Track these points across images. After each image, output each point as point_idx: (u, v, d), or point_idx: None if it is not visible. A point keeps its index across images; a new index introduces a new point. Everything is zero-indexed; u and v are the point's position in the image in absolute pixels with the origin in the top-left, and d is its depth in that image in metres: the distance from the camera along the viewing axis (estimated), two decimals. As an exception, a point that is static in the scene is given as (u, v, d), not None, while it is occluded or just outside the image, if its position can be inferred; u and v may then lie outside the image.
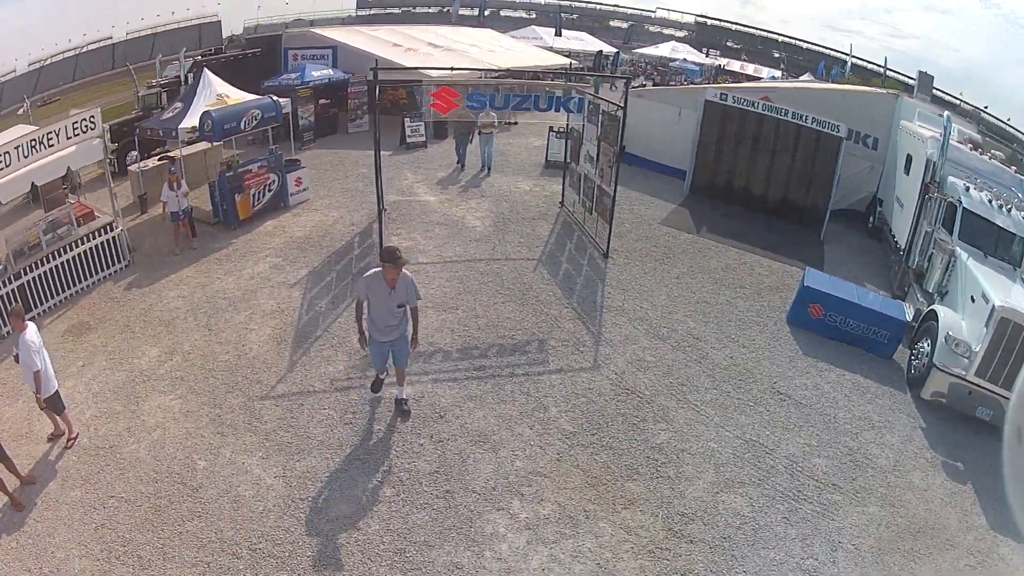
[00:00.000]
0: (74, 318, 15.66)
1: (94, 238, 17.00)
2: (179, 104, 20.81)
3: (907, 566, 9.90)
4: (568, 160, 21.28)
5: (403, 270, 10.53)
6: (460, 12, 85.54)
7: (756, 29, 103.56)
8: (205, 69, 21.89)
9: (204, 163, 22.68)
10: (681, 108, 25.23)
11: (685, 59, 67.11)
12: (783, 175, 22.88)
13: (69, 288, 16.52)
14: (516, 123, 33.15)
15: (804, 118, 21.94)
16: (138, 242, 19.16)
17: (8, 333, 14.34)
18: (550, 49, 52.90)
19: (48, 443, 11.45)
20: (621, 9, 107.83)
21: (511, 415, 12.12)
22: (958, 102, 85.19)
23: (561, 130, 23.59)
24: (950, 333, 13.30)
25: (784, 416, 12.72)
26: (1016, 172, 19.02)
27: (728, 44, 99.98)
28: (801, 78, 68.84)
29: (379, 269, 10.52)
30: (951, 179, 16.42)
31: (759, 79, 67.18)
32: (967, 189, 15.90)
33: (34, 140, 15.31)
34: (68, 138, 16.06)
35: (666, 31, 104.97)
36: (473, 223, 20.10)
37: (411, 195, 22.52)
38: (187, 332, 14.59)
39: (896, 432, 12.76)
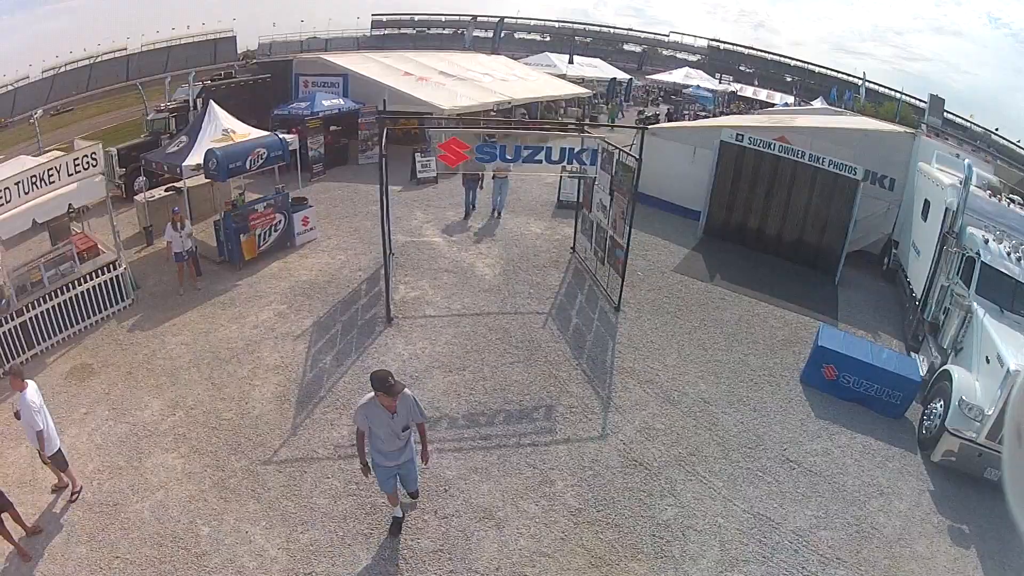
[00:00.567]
0: (77, 359, 15.51)
1: (97, 276, 16.87)
2: (184, 138, 20.61)
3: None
4: (580, 201, 20.97)
5: (403, 389, 9.34)
6: (475, 34, 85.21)
7: (768, 53, 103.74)
8: (211, 102, 21.62)
9: (212, 194, 22.45)
10: (696, 147, 24.98)
11: (698, 86, 66.82)
12: (798, 218, 22.55)
13: (72, 326, 16.39)
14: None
15: (821, 160, 21.56)
16: (143, 277, 19.09)
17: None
18: (563, 76, 52.63)
19: (52, 494, 11.43)
20: (635, 33, 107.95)
21: (516, 489, 11.82)
22: (969, 124, 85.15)
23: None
24: (963, 398, 12.98)
25: (792, 486, 12.41)
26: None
27: (741, 68, 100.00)
28: (813, 103, 68.56)
29: (374, 395, 9.27)
30: (970, 229, 16.06)
31: (772, 105, 67.08)
32: (986, 241, 15.50)
33: (35, 176, 15.10)
34: (69, 175, 15.87)
35: (679, 55, 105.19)
36: (483, 270, 19.82)
37: (420, 237, 22.26)
38: (190, 385, 14.38)
39: (904, 498, 12.49)
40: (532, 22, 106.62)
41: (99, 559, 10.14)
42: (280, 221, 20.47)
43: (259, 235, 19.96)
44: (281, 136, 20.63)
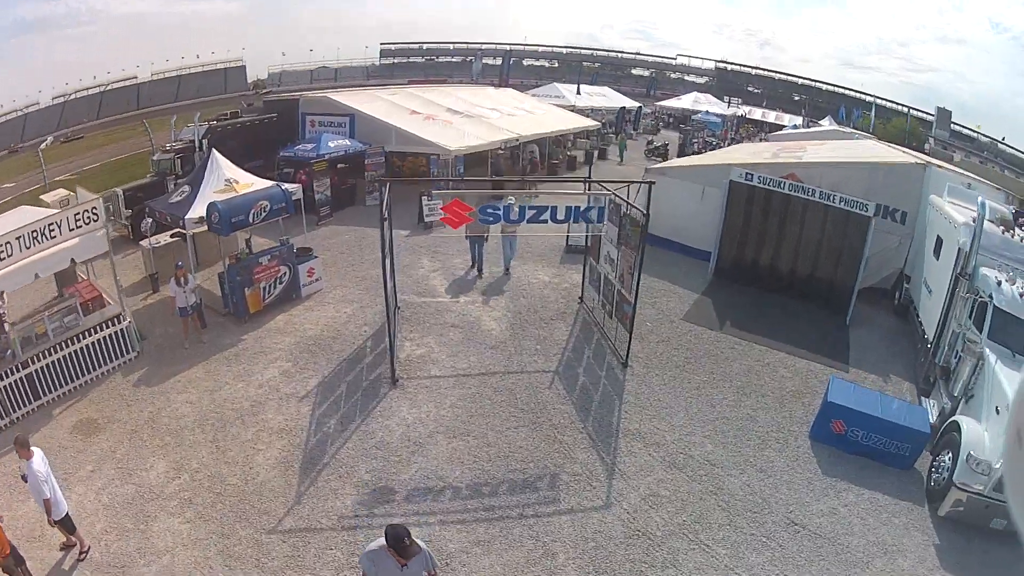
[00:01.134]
0: (83, 412, 15.58)
1: (102, 329, 16.93)
2: (187, 187, 20.57)
3: None
4: (588, 246, 20.60)
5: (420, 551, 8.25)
6: (484, 61, 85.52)
7: (776, 73, 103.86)
8: (214, 151, 21.52)
9: (218, 241, 22.32)
10: (705, 187, 24.89)
11: (707, 111, 66.91)
12: (810, 257, 22.41)
13: (78, 378, 16.45)
14: (536, 195, 32.93)
15: (831, 198, 21.39)
16: (148, 327, 19.15)
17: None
18: (572, 108, 52.60)
19: (61, 552, 11.57)
20: (642, 57, 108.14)
21: (518, 563, 11.70)
22: (976, 135, 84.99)
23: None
24: (972, 453, 12.78)
25: (796, 551, 12.25)
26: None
27: (749, 89, 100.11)
28: (821, 122, 68.73)
29: (385, 546, 8.19)
30: (983, 270, 15.87)
31: (781, 127, 67.03)
32: (999, 283, 15.27)
33: (35, 231, 15.24)
34: (71, 229, 15.97)
35: (688, 78, 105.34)
36: (489, 325, 19.72)
37: (426, 288, 22.19)
38: (195, 447, 14.39)
39: (908, 555, 12.35)
40: (540, 49, 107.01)
41: (108, 622, 10.14)
42: (285, 273, 20.43)
43: (264, 288, 19.92)
44: (284, 187, 20.52)
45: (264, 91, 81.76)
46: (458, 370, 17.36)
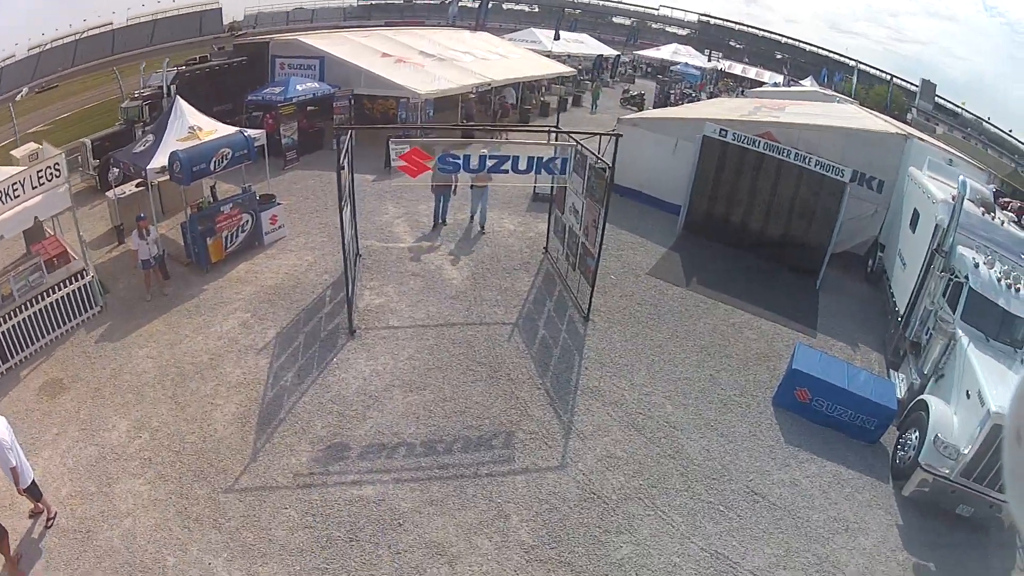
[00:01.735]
0: (49, 372, 15.13)
1: (66, 286, 16.44)
2: (151, 136, 19.78)
3: None
4: (553, 195, 20.12)
5: None
6: (461, 4, 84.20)
7: (759, 30, 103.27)
8: (178, 97, 20.77)
9: (183, 189, 21.69)
10: (678, 140, 24.42)
11: (686, 63, 66.21)
12: (782, 218, 22.07)
13: (43, 337, 16.00)
14: (506, 138, 32.37)
15: (807, 160, 20.94)
16: (112, 279, 18.61)
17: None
18: (548, 54, 51.79)
19: (30, 519, 11.31)
20: (624, 6, 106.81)
21: (471, 524, 11.48)
22: (960, 111, 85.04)
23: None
24: (939, 436, 12.64)
25: (755, 522, 12.11)
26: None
27: (731, 44, 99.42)
28: (803, 82, 68.40)
29: None
30: (960, 249, 15.55)
31: (761, 84, 66.61)
32: (976, 265, 15.00)
33: (-1, 192, 14.67)
34: (33, 187, 15.34)
35: (669, 29, 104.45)
36: (451, 274, 19.30)
37: (389, 234, 21.67)
38: (155, 404, 14.01)
39: (870, 534, 12.24)
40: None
41: (78, 589, 10.05)
42: (247, 221, 19.83)
43: (226, 237, 19.34)
44: (246, 134, 19.76)
45: (240, 33, 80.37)
46: (416, 321, 16.97)
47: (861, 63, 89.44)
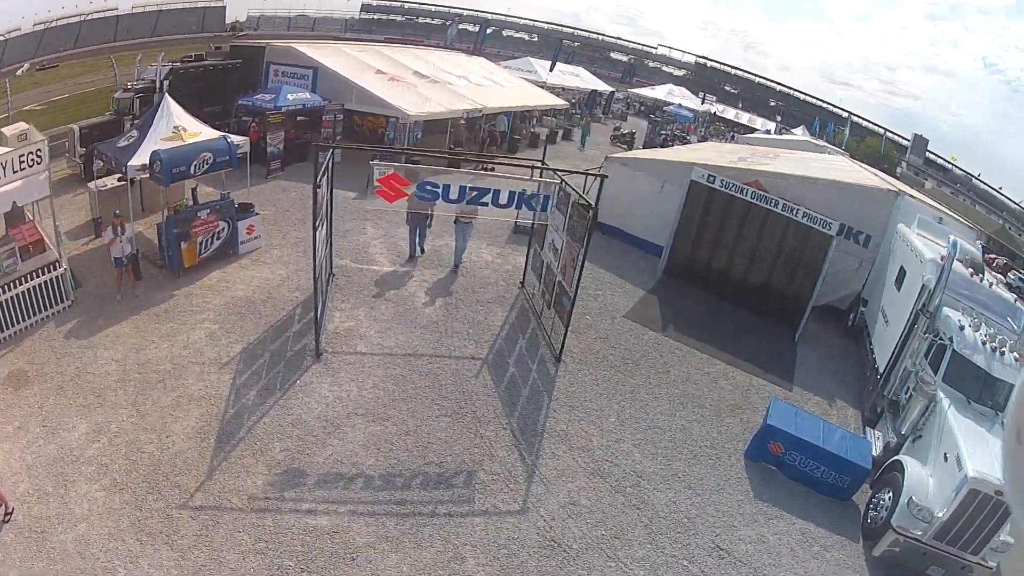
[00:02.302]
0: (15, 363, 14.93)
1: (38, 275, 16.24)
2: (135, 132, 19.57)
3: None
4: (534, 229, 19.81)
5: None
6: (461, 27, 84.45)
7: (755, 76, 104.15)
8: (166, 95, 20.58)
9: (163, 187, 21.45)
10: (664, 182, 24.24)
11: (680, 104, 66.46)
12: (765, 267, 21.84)
13: (12, 326, 15.81)
14: (492, 168, 32.09)
15: (794, 211, 20.76)
16: (86, 273, 18.42)
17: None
18: (543, 85, 51.79)
19: None
20: (623, 42, 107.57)
21: (426, 564, 11.07)
22: (950, 166, 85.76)
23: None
24: (913, 498, 12.42)
25: (718, 579, 11.71)
26: (1017, 302, 17.97)
27: (726, 88, 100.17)
28: (795, 131, 68.92)
29: None
30: (945, 311, 15.39)
31: (753, 130, 66.93)
32: (961, 328, 14.86)
33: (-22, 174, 14.42)
34: (14, 172, 15.22)
35: (665, 68, 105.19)
36: (423, 301, 18.98)
37: (365, 255, 21.31)
38: (116, 409, 13.68)
39: (837, 595, 11.85)
40: (520, 21, 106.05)
41: (29, 589, 10.01)
42: (224, 229, 19.49)
43: (201, 243, 19.01)
44: (230, 140, 19.45)
45: (241, 33, 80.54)
46: (385, 348, 16.58)
47: (854, 114, 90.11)
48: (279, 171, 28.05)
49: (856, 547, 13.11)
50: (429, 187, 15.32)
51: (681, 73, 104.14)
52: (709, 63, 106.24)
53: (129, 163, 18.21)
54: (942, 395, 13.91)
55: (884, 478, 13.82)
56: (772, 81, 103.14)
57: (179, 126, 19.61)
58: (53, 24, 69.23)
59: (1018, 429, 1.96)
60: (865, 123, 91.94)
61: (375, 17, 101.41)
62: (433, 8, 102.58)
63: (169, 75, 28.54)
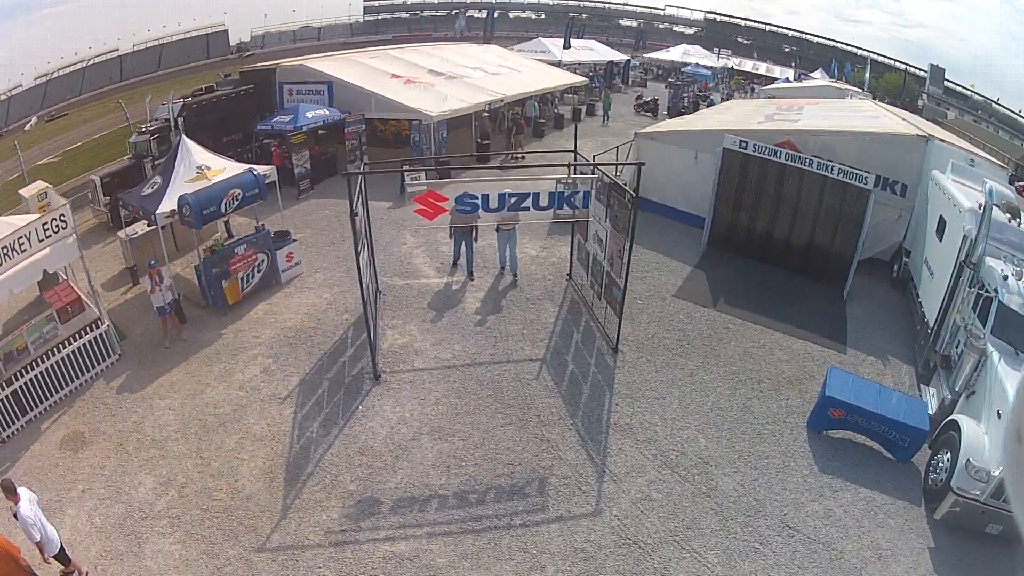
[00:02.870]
0: (70, 425, 15.12)
1: (81, 336, 16.39)
2: (158, 179, 19.52)
3: None
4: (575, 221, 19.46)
5: None
6: (470, 14, 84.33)
7: (765, 24, 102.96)
8: (183, 137, 20.48)
9: (195, 228, 21.79)
10: (697, 152, 24.27)
11: (697, 64, 66.09)
12: (807, 228, 21.73)
13: (62, 388, 16.00)
14: (523, 157, 32.05)
15: (830, 168, 20.60)
16: (129, 324, 18.62)
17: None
18: (559, 64, 51.61)
19: None
20: (630, 8, 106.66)
21: (508, 577, 11.22)
22: (970, 94, 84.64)
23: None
24: (970, 460, 12.30)
25: (789, 557, 11.82)
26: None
27: (739, 40, 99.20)
28: (813, 75, 68.26)
29: None
30: (988, 261, 15.10)
31: (773, 80, 66.38)
32: (1006, 278, 14.57)
33: (5, 247, 14.54)
34: (40, 240, 15.33)
35: (676, 28, 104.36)
36: (474, 307, 19.08)
37: (408, 268, 21.44)
38: (180, 459, 13.88)
39: (902, 559, 11.97)
40: (527, 1, 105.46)
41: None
42: (263, 261, 19.68)
43: (242, 278, 19.19)
44: (256, 172, 19.49)
45: (247, 53, 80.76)
46: (442, 361, 16.73)
47: (871, 52, 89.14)
48: (309, 190, 28.32)
49: (919, 511, 13.09)
50: (468, 199, 15.32)
51: (692, 32, 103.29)
52: (719, 17, 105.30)
53: (157, 212, 18.13)
54: (992, 349, 13.73)
55: (942, 439, 13.72)
56: (783, 27, 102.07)
57: (202, 165, 19.47)
58: (55, 75, 69.82)
59: (1018, 429, 1.99)
60: (882, 59, 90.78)
61: (380, 17, 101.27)
62: (437, 0, 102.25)
63: (183, 111, 28.71)
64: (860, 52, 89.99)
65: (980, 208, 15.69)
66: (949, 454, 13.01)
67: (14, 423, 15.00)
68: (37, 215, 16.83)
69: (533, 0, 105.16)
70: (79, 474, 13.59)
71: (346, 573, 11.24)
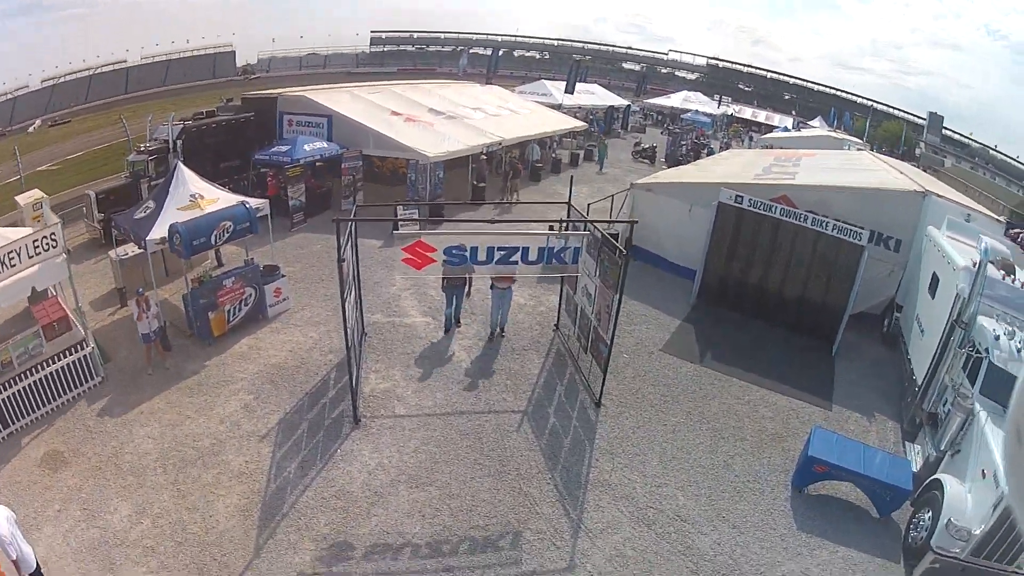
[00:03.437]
0: (50, 443, 15.12)
1: (66, 356, 16.44)
2: (151, 203, 19.62)
3: None
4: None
5: None
6: (475, 51, 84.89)
7: (767, 71, 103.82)
8: (179, 164, 20.34)
9: (185, 253, 21.83)
10: (692, 205, 24.31)
11: (697, 111, 66.52)
12: (798, 283, 21.76)
13: (44, 406, 16.05)
14: (517, 202, 32.22)
15: (824, 224, 20.71)
16: (114, 346, 18.67)
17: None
18: (559, 107, 51.93)
19: None
20: (634, 52, 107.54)
21: (478, 635, 11.10)
22: (968, 141, 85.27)
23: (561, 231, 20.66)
24: (952, 520, 12.32)
25: (763, 621, 11.67)
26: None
27: (740, 86, 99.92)
28: (812, 123, 68.89)
29: None
30: (980, 320, 15.18)
31: (772, 128, 66.80)
32: (997, 338, 14.68)
33: (-6, 262, 14.73)
34: (30, 256, 15.48)
35: (678, 73, 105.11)
36: (459, 355, 19.06)
37: (396, 308, 21.50)
38: (156, 489, 13.82)
39: (880, 621, 11.76)
40: (531, 40, 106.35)
41: None
42: (251, 295, 19.72)
43: (228, 311, 19.24)
44: (248, 205, 19.51)
45: (252, 76, 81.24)
46: (423, 408, 16.70)
47: (870, 100, 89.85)
48: (302, 223, 28.36)
49: (897, 568, 13.11)
50: (456, 251, 15.20)
51: (694, 77, 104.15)
52: (721, 63, 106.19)
53: (148, 237, 18.21)
54: (979, 408, 13.77)
55: (924, 497, 13.74)
56: (784, 75, 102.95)
57: (196, 194, 19.53)
58: (62, 80, 70.23)
59: (1018, 429, 1.96)
60: (881, 107, 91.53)
61: (386, 49, 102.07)
62: (442, 36, 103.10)
63: (182, 134, 28.82)
64: (860, 100, 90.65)
65: (974, 267, 15.75)
66: (931, 513, 13.04)
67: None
68: (29, 230, 16.94)
69: (538, 40, 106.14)
70: (56, 493, 13.59)
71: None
